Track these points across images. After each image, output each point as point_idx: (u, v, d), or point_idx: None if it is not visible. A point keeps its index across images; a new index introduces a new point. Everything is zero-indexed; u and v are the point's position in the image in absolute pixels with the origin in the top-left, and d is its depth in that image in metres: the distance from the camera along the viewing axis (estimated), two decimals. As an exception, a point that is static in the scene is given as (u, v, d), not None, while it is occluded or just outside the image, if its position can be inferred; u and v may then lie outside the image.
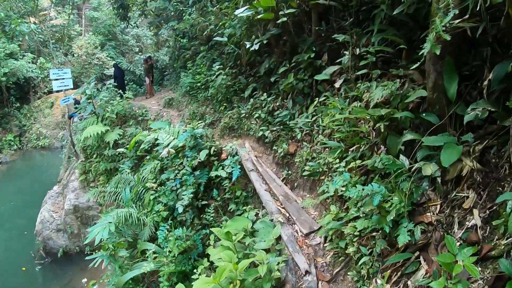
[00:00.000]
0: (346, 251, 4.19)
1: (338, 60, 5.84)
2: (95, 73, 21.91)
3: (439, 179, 3.68)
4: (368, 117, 4.44)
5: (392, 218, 3.57)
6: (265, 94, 7.98)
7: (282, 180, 6.07)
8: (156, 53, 21.78)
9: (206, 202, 7.22)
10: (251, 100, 8.31)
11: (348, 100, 5.22)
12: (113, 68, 16.74)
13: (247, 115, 8.24)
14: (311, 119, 6.02)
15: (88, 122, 10.63)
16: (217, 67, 9.48)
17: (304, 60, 6.63)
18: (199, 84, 10.57)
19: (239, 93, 9.19)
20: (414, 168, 3.70)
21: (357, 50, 5.35)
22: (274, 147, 6.64)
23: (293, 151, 6.09)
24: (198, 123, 8.24)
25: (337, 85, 5.50)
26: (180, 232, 6.80)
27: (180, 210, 6.93)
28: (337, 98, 5.34)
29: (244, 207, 6.47)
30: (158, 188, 7.80)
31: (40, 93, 22.73)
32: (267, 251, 4.80)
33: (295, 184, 5.84)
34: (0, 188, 17.15)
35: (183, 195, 7.03)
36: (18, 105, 21.71)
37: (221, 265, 4.19)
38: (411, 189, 3.63)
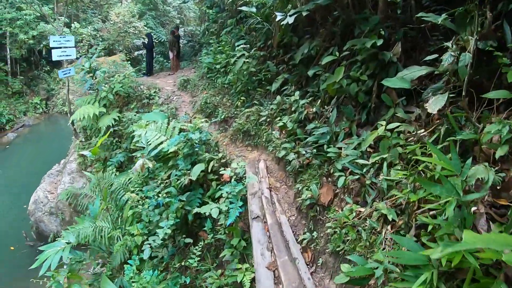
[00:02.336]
0: None
1: (428, 58, 3.29)
2: (129, 42, 20.22)
3: None
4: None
5: None
6: (298, 92, 5.54)
7: (300, 244, 3.69)
8: (198, 27, 19.66)
9: (190, 241, 5.06)
10: (278, 97, 5.89)
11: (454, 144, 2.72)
12: (146, 38, 14.87)
13: (269, 119, 5.85)
14: (368, 159, 3.51)
15: (84, 101, 8.77)
16: (241, 46, 7.08)
17: (364, 49, 4.11)
18: (218, 66, 8.27)
19: (264, 85, 6.78)
20: None
21: (472, 42, 2.77)
22: (298, 185, 4.24)
23: (327, 201, 3.66)
24: (202, 121, 6.00)
25: (430, 107, 2.92)
26: (148, 278, 4.75)
27: (156, 244, 4.83)
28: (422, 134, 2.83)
29: (240, 265, 4.24)
30: (141, 202, 5.73)
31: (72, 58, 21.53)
32: None
33: (319, 260, 3.43)
34: (16, 152, 16.24)
35: (161, 226, 4.92)
36: (48, 68, 20.67)
37: None
38: None
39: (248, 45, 7.38)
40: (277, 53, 6.87)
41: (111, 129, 8.22)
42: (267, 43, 7.11)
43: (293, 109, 5.25)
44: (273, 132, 5.36)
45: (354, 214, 3.17)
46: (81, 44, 20.98)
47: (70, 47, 9.19)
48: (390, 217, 2.76)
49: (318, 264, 3.38)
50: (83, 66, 8.58)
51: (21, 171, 14.63)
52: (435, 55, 3.46)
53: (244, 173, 4.97)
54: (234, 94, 7.33)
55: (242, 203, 4.32)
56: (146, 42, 13.85)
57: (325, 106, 4.83)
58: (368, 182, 3.26)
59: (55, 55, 9.06)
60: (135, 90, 9.22)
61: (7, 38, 16.64)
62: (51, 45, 9.03)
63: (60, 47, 9.09)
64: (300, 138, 4.79)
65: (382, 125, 3.37)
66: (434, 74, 3.42)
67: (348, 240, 3.06)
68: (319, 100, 5.02)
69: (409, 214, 2.72)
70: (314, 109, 4.90)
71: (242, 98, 6.86)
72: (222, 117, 7.08)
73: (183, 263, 5.03)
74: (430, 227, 2.39)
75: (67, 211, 10.66)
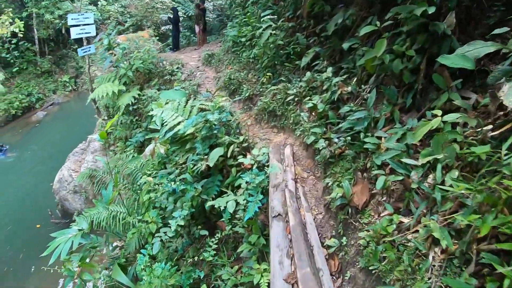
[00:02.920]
0: None
1: (497, 31, 2.54)
2: (157, 18, 19.78)
3: None
4: None
5: None
6: (330, 68, 4.82)
7: (326, 250, 3.11)
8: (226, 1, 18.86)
9: (206, 233, 4.61)
10: (308, 74, 5.19)
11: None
12: (171, 13, 14.30)
13: (297, 99, 5.19)
14: (415, 155, 2.82)
15: (104, 78, 8.43)
16: (267, 17, 6.36)
17: (411, 19, 3.33)
18: (243, 40, 7.59)
19: (293, 60, 6.08)
20: None
21: None
22: (328, 179, 3.60)
23: (361, 203, 3.00)
24: (223, 100, 5.45)
25: (507, 98, 2.18)
26: (160, 270, 4.39)
27: (167, 237, 4.43)
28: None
29: (258, 265, 3.75)
30: (156, 187, 5.34)
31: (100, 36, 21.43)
32: None
33: (347, 273, 2.82)
34: (46, 130, 16.47)
35: (174, 215, 4.50)
36: (76, 46, 20.65)
37: None
38: None
39: (276, 16, 6.65)
40: (307, 24, 6.11)
41: (130, 108, 7.87)
42: (296, 13, 6.34)
43: (324, 87, 4.55)
44: (302, 113, 4.71)
45: (394, 226, 2.51)
46: (109, 21, 20.95)
47: (89, 24, 8.85)
48: (443, 244, 2.09)
49: (346, 278, 2.79)
50: (102, 43, 8.20)
51: (49, 149, 14.80)
52: (505, 29, 2.68)
53: (267, 160, 4.40)
54: (260, 69, 6.68)
55: (262, 196, 3.78)
56: (172, 17, 13.32)
57: (362, 86, 4.10)
58: (414, 186, 2.58)
59: (74, 33, 8.79)
60: (156, 66, 8.76)
61: (33, 19, 16.63)
62: (69, 23, 8.77)
63: (79, 25, 8.76)
64: (332, 122, 4.12)
65: (436, 115, 2.64)
66: (501, 53, 2.65)
67: (385, 258, 2.44)
68: (355, 78, 4.29)
69: (469, 242, 2.04)
70: (349, 89, 4.17)
71: (268, 74, 6.20)
72: (246, 94, 6.48)
73: (197, 257, 4.63)
74: (507, 282, 1.71)
75: (90, 190, 10.64)
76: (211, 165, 4.57)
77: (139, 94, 7.94)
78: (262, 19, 6.49)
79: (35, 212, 11.19)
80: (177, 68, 8.91)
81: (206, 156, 4.86)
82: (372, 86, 3.84)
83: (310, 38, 5.94)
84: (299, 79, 5.58)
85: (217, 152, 4.71)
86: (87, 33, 8.98)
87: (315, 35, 5.88)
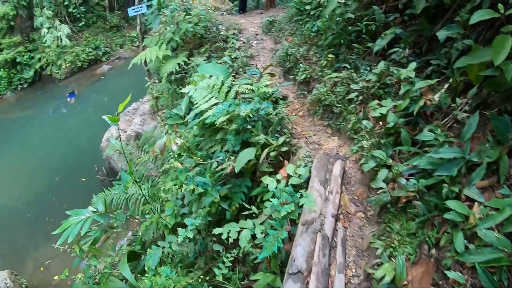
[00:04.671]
0: None
1: None
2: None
3: None
4: None
5: None
6: (414, 62, 3.48)
7: None
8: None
9: (219, 249, 3.80)
10: (382, 64, 3.90)
11: None
12: None
13: (362, 97, 3.95)
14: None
15: (151, 41, 7.78)
16: (339, -19, 5.01)
17: None
18: (308, 8, 6.29)
19: (364, 40, 4.74)
20: None
21: None
22: (377, 242, 2.49)
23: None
24: (268, 84, 4.44)
25: None
26: (164, 277, 3.73)
27: (169, 250, 3.72)
28: None
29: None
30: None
31: None
32: None
33: None
34: (109, 83, 16.74)
35: (188, 219, 3.73)
36: (146, 1, 20.54)
37: None
38: None
39: None
40: (388, -6, 4.68)
41: (173, 77, 7.15)
42: (377, -21, 4.90)
43: (402, 90, 3.26)
44: (364, 122, 3.52)
45: None
46: None
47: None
48: None
49: None
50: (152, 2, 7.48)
51: (109, 102, 15.01)
52: None
53: (308, 179, 3.36)
54: (323, 47, 5.43)
55: (287, 233, 2.80)
56: None
57: (457, 99, 2.77)
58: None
59: (131, 12, 8.16)
60: (210, 31, 7.82)
61: None
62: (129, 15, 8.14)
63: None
64: (403, 147, 2.89)
65: None
66: None
67: None
68: (447, 85, 2.94)
69: None
70: (437, 99, 2.87)
71: (331, 55, 4.94)
72: (302, 77, 5.31)
73: (209, 269, 3.89)
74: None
75: (135, 153, 10.51)
76: (236, 170, 3.67)
77: (185, 62, 7.14)
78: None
79: (84, 165, 11.44)
80: (233, 34, 7.88)
81: (235, 156, 3.96)
82: (473, 105, 2.52)
83: (390, 15, 4.53)
84: (369, 68, 4.29)
85: (247, 154, 3.78)
86: (140, 8, 8.31)
87: (397, 11, 4.47)
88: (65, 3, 17.03)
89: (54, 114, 15.09)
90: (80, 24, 17.67)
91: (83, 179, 10.94)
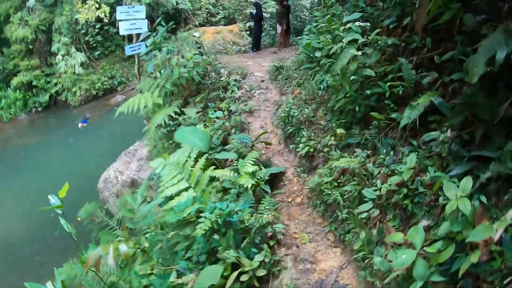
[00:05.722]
0: None
1: None
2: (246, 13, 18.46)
3: None
4: None
5: None
6: (462, 165, 2.25)
7: None
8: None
9: None
10: (413, 159, 2.68)
11: None
12: (254, 8, 12.13)
13: (380, 207, 2.70)
14: None
15: (145, 85, 6.98)
16: (355, 24, 3.90)
17: None
18: (318, 55, 5.18)
19: (388, 107, 3.51)
20: None
21: None
22: None
23: None
24: (250, 171, 3.32)
25: None
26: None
27: None
28: None
29: None
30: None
31: (190, 25, 20.78)
32: None
33: None
34: (120, 114, 16.26)
35: None
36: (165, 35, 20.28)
37: None
38: None
39: (368, 24, 4.11)
40: (420, 43, 3.49)
41: (162, 130, 6.20)
42: (402, 21, 3.71)
43: (449, 210, 1.98)
44: (378, 258, 2.26)
45: None
46: (199, 11, 20.05)
47: (140, 19, 7.43)
48: None
49: None
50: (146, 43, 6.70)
51: (117, 134, 14.39)
52: None
53: None
54: (333, 110, 4.25)
55: None
56: (254, 12, 11.27)
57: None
58: None
59: (123, 29, 7.52)
60: (209, 76, 6.87)
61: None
62: (117, 17, 7.53)
63: (129, 19, 7.38)
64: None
65: None
66: None
67: None
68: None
69: None
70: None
71: (340, 130, 3.73)
72: (304, 150, 4.12)
73: None
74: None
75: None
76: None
77: (176, 112, 6.17)
78: (345, 26, 4.03)
79: (83, 200, 10.58)
80: (235, 80, 6.87)
81: (200, 269, 2.80)
82: None
83: (423, 71, 3.32)
84: (392, 151, 3.05)
85: (210, 276, 2.66)
86: (137, 29, 7.58)
87: (434, 66, 3.26)
88: (83, 31, 16.90)
89: (63, 142, 14.75)
90: (97, 53, 17.49)
91: (79, 219, 10.17)
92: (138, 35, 7.87)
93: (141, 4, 8.08)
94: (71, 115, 16.86)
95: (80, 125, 15.30)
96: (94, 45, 17.53)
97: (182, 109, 6.39)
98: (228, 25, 20.30)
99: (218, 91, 6.57)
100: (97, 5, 13.96)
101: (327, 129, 4.12)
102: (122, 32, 7.67)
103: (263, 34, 12.53)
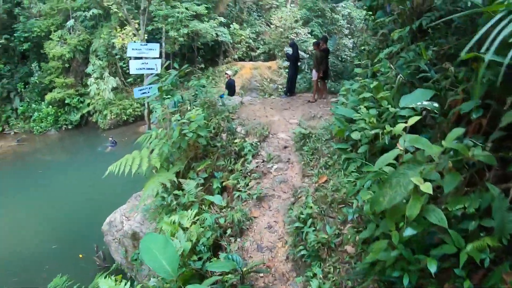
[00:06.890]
0: None
1: None
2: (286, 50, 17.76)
3: None
4: None
5: None
6: None
7: None
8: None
9: None
10: None
11: None
12: (290, 48, 10.56)
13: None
14: None
15: (145, 140, 5.99)
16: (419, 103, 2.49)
17: None
18: (355, 137, 3.77)
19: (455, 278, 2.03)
20: None
21: None
22: None
23: None
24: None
25: None
26: None
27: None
28: None
29: None
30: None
31: (229, 58, 20.33)
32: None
33: None
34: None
35: None
36: (203, 66, 19.45)
37: None
38: None
39: (436, 105, 2.71)
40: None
41: (158, 202, 5.06)
42: (489, 110, 2.26)
43: None
44: None
45: None
46: (239, 45, 20.17)
47: (153, 58, 6.51)
48: None
49: None
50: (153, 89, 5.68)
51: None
52: None
53: None
54: (367, 242, 2.81)
55: None
56: (290, 53, 9.87)
57: None
58: None
59: (133, 68, 6.66)
60: (220, 137, 5.68)
61: (162, 34, 16.25)
62: (128, 54, 6.71)
63: (141, 58, 6.50)
64: None
65: None
66: None
67: None
68: None
69: None
70: None
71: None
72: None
73: None
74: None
75: (130, 251, 8.71)
76: None
77: (173, 182, 5.01)
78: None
79: (87, 236, 9.97)
80: (252, 145, 5.55)
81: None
82: None
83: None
84: None
85: None
86: (149, 69, 6.63)
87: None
88: (118, 56, 16.79)
89: (85, 164, 14.47)
90: (129, 80, 17.34)
91: (81, 256, 9.28)
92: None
93: (159, 42, 7.13)
94: (99, 138, 16.88)
95: (109, 148, 15.12)
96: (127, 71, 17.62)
97: (183, 178, 5.21)
98: (267, 60, 20.31)
99: (229, 157, 5.33)
100: (134, 31, 13.68)
101: (355, 264, 2.66)
102: (133, 71, 6.81)
103: (299, 76, 11.21)
